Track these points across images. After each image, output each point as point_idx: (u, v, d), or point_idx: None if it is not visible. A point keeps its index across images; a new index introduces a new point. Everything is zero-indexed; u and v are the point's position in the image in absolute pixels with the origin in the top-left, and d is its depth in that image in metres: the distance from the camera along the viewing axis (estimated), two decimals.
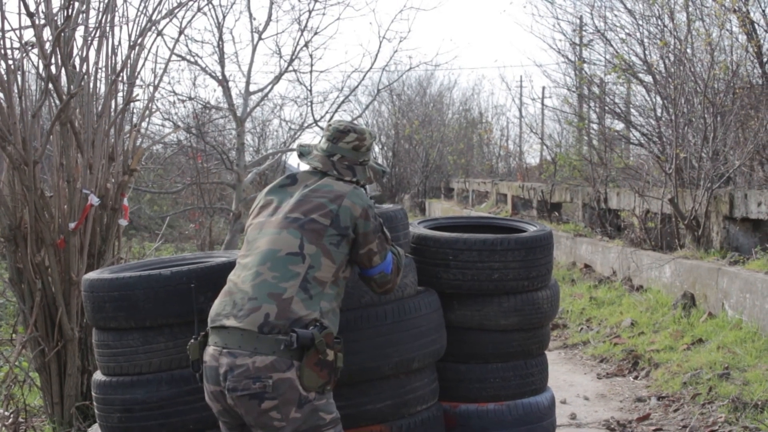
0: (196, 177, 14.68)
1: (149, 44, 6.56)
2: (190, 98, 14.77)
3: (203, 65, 14.11)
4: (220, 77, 14.06)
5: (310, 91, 15.65)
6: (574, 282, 10.91)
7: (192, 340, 3.48)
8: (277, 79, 14.62)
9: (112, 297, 3.92)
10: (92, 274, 4.15)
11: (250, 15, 14.15)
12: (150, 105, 6.94)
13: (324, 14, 14.46)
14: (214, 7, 13.54)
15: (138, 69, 6.37)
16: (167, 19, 6.46)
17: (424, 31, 39.30)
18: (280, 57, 14.60)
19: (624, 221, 11.42)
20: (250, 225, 3.66)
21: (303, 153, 3.88)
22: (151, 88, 6.95)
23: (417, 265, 4.39)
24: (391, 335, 4.06)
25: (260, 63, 54.75)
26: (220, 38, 13.85)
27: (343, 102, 16.24)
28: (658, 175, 10.59)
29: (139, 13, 6.42)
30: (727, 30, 11.15)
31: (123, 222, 6.33)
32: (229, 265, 3.87)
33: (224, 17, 13.83)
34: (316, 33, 14.36)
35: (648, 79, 11.86)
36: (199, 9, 6.91)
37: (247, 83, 14.44)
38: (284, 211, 3.55)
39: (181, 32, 6.99)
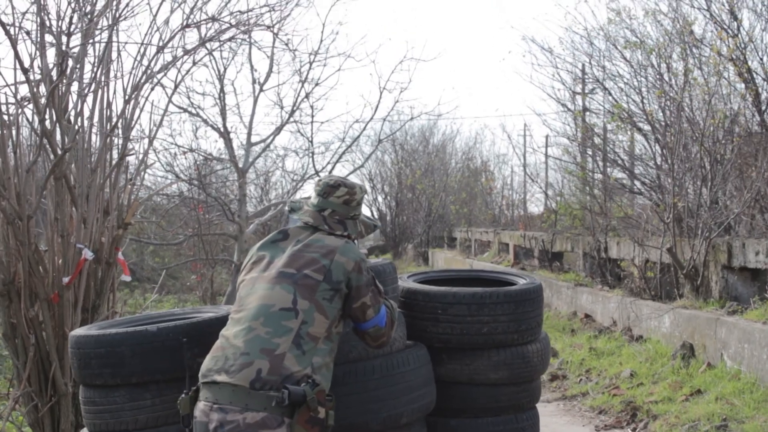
0: (198, 228, 14.70)
1: (144, 97, 6.63)
2: (192, 150, 14.88)
3: (205, 117, 14.24)
4: (222, 129, 14.17)
5: (311, 142, 15.77)
6: (574, 332, 10.87)
7: (183, 395, 3.48)
8: (279, 130, 14.72)
9: (98, 353, 3.92)
10: (79, 331, 4.15)
11: (252, 66, 14.27)
12: (145, 158, 6.99)
13: (325, 65, 14.55)
14: (215, 59, 13.71)
15: (133, 123, 6.44)
16: (162, 73, 6.49)
17: (426, 80, 39.77)
18: (282, 108, 14.73)
19: (624, 271, 11.40)
20: (242, 281, 3.67)
21: (294, 209, 3.91)
22: (147, 142, 6.99)
23: (406, 319, 4.39)
24: (379, 390, 4.04)
25: (261, 114, 55.18)
26: (222, 90, 13.98)
27: (344, 153, 16.34)
28: (658, 224, 10.59)
29: (134, 67, 6.51)
30: (725, 78, 11.24)
31: (125, 278, 6.36)
32: (217, 321, 3.89)
33: (225, 69, 13.98)
34: (317, 84, 14.49)
35: (647, 128, 11.93)
36: (194, 62, 6.89)
37: (249, 134, 14.55)
38: (277, 266, 3.56)
39: (176, 86, 7.08)
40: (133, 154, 6.69)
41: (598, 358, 9.37)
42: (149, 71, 6.50)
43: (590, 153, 13.66)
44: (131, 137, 6.76)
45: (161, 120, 6.89)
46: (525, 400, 4.62)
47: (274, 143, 16.45)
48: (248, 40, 8.46)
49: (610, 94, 13.07)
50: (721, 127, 10.25)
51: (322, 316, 3.44)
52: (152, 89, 6.36)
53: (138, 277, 19.41)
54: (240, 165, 14.50)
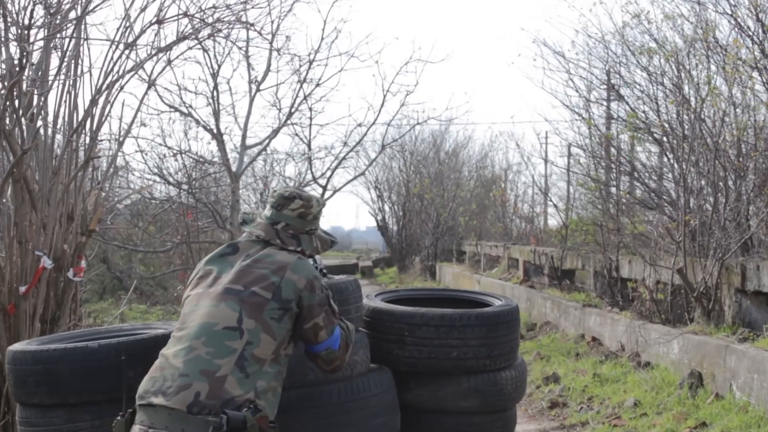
0: (186, 236, 14.69)
1: (115, 96, 6.62)
2: (181, 152, 14.88)
3: (197, 117, 14.24)
4: (215, 130, 14.18)
5: (309, 146, 15.77)
6: (579, 356, 10.79)
7: (118, 418, 3.45)
8: (275, 132, 14.73)
9: (34, 371, 3.90)
10: (16, 346, 4.14)
11: (248, 65, 14.28)
12: (115, 161, 6.99)
13: (326, 65, 14.56)
14: (208, 55, 13.72)
15: (101, 122, 6.42)
16: (133, 72, 6.49)
17: (435, 83, 39.65)
18: (279, 110, 14.74)
19: (635, 291, 11.32)
20: (187, 297, 3.65)
21: (245, 221, 3.90)
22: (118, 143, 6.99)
23: (370, 341, 4.37)
24: (338, 417, 4.02)
25: (257, 115, 55.13)
26: (215, 88, 14.01)
27: (344, 158, 16.34)
28: (671, 242, 10.52)
29: (104, 63, 6.50)
30: (748, 88, 11.16)
31: (74, 278, 6.32)
32: (165, 338, 3.85)
33: (219, 66, 14.00)
34: (317, 85, 14.51)
35: (664, 138, 11.86)
36: (170, 61, 6.86)
37: (243, 137, 14.55)
38: (223, 282, 3.54)
39: (150, 84, 7.05)
40: (100, 156, 6.67)
41: (602, 385, 9.30)
42: (120, 68, 6.51)
43: (603, 164, 13.58)
44: (101, 138, 6.76)
45: (133, 119, 6.86)
46: (498, 431, 4.58)
47: (271, 146, 16.41)
48: (228, 37, 8.38)
49: (626, 102, 12.99)
50: (742, 140, 10.18)
51: (269, 336, 3.41)
52: (121, 88, 6.31)
53: (125, 286, 19.48)
54: (233, 169, 14.50)
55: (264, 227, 3.74)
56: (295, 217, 3.76)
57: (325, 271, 4.20)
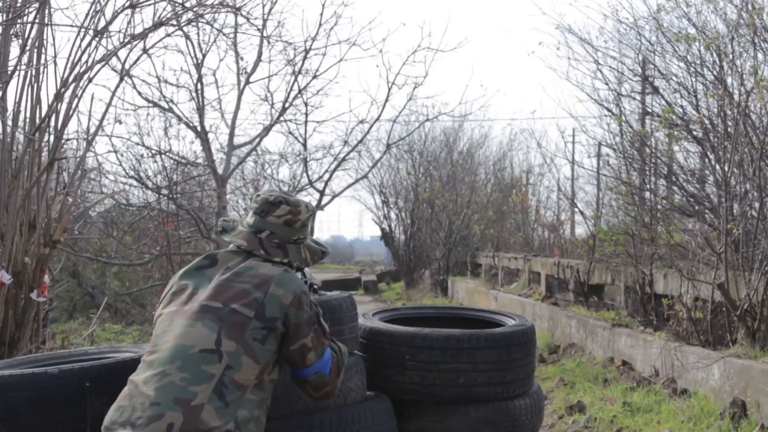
0: (166, 247, 14.69)
1: (83, 89, 6.63)
2: (161, 152, 14.87)
3: (179, 113, 14.23)
4: (199, 127, 14.17)
5: (305, 145, 15.78)
6: (607, 382, 10.76)
7: None
8: (267, 130, 14.74)
9: None
10: None
11: (237, 54, 14.30)
12: (83, 163, 7.00)
13: (324, 54, 14.55)
14: (192, 43, 13.72)
15: (64, 118, 6.43)
16: (104, 62, 6.49)
17: (447, 75, 39.57)
18: (271, 105, 14.75)
19: (672, 309, 11.28)
20: (160, 315, 3.65)
21: (226, 229, 3.89)
22: (84, 143, 7.00)
23: (367, 365, 4.36)
24: None
25: (247, 111, 55.11)
26: (199, 80, 14.00)
27: (344, 159, 16.33)
28: (711, 254, 10.48)
29: (71, 53, 6.51)
30: None
31: (38, 298, 6.33)
32: (134, 363, 3.85)
33: (204, 56, 13.99)
34: (314, 76, 14.52)
35: (705, 136, 11.84)
36: (145, 50, 6.87)
37: (231, 135, 14.56)
38: (200, 298, 3.54)
39: (122, 77, 7.06)
40: (66, 157, 6.68)
41: (633, 415, 9.27)
42: (89, 58, 6.52)
43: (636, 166, 13.55)
44: (67, 136, 6.77)
45: (104, 115, 6.86)
46: None
47: (262, 146, 16.42)
48: (213, 23, 8.40)
49: (662, 96, 12.98)
50: None
51: (251, 359, 3.41)
52: (90, 80, 6.32)
53: (98, 303, 19.46)
54: (220, 171, 14.50)
55: (246, 236, 3.74)
56: (281, 224, 3.76)
57: (316, 286, 4.19)
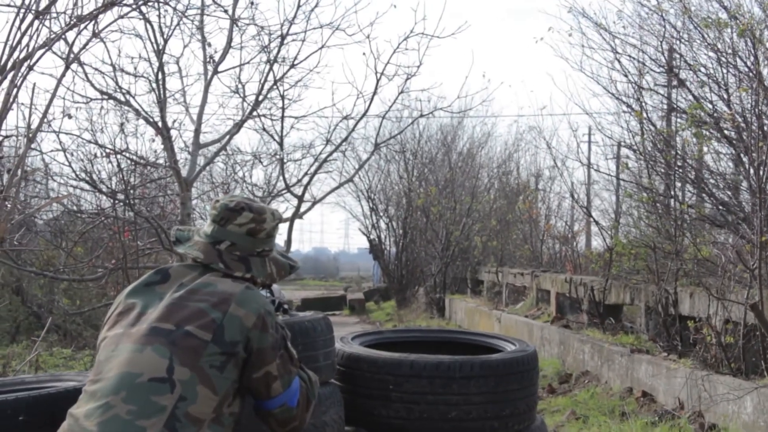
0: (123, 260, 14.61)
1: (23, 77, 6.60)
2: (116, 151, 14.79)
3: (137, 106, 14.16)
4: (160, 123, 14.10)
5: (282, 144, 15.73)
6: (625, 417, 10.76)
7: None
8: (238, 127, 14.69)
9: None
10: None
11: (203, 39, 14.23)
12: (23, 163, 6.97)
13: (303, 40, 14.50)
14: (151, 27, 13.66)
15: (1, 111, 6.40)
16: (45, 48, 6.47)
17: (445, 66, 39.66)
18: (243, 98, 14.70)
19: (699, 333, 11.29)
20: (104, 339, 3.62)
21: (180, 239, 3.87)
22: (25, 140, 6.97)
23: (345, 396, 4.35)
24: None
25: (215, 105, 55.11)
26: (160, 69, 13.92)
27: (326, 161, 16.29)
28: (743, 270, 10.49)
29: (11, 36, 6.49)
30: None
31: None
32: (78, 393, 3.82)
33: (165, 42, 13.92)
34: (292, 65, 14.46)
35: (734, 136, 11.86)
36: (96, 34, 6.85)
37: (197, 132, 14.48)
38: (150, 319, 3.52)
39: (68, 65, 7.03)
40: (2, 157, 6.65)
41: None
42: (30, 42, 6.50)
43: (659, 170, 13.55)
44: (5, 132, 6.75)
45: (47, 108, 6.83)
46: None
47: (232, 145, 16.37)
48: (175, 3, 8.37)
49: (688, 89, 12.99)
50: None
51: (208, 390, 3.38)
52: (31, 68, 6.29)
53: (44, 323, 19.36)
54: (184, 174, 14.44)
55: (203, 247, 3.72)
56: (243, 234, 3.74)
57: (286, 306, 4.18)
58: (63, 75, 6.91)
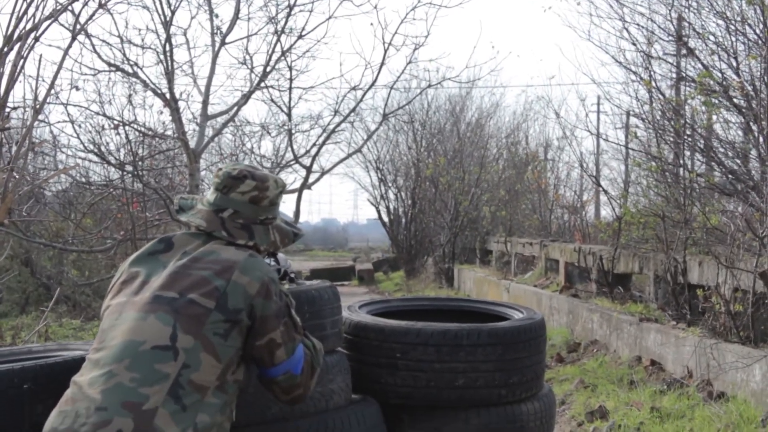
0: (131, 231, 14.62)
1: (29, 48, 6.58)
2: (124, 123, 14.78)
3: (144, 77, 14.14)
4: (168, 95, 14.07)
5: (290, 115, 15.70)
6: (634, 384, 10.75)
7: None
8: (246, 98, 14.68)
9: None
10: None
11: (211, 10, 14.21)
12: (30, 135, 6.94)
13: (311, 11, 14.48)
14: None
15: (8, 83, 6.39)
16: (52, 18, 6.44)
17: (453, 36, 39.50)
18: (251, 69, 14.68)
19: (708, 302, 11.26)
20: (107, 307, 3.62)
21: (183, 207, 3.85)
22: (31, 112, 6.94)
23: (352, 365, 4.34)
24: None
25: (223, 76, 55.02)
26: (168, 41, 13.89)
27: (334, 131, 16.27)
28: (752, 239, 10.46)
29: (18, 7, 6.47)
30: None
31: None
32: (83, 362, 3.82)
33: (173, 13, 13.89)
34: (300, 36, 14.44)
35: (744, 104, 11.80)
36: (101, 4, 6.82)
37: (205, 104, 14.47)
38: (153, 288, 3.51)
39: (77, 33, 7.00)
40: (10, 128, 6.64)
41: (663, 421, 9.26)
42: (37, 12, 6.47)
43: (668, 139, 13.50)
44: (12, 104, 6.73)
45: (54, 79, 6.80)
46: None
47: (240, 116, 16.34)
48: None
49: (697, 57, 12.92)
50: None
51: (212, 357, 3.37)
52: (37, 39, 6.27)
53: (53, 294, 19.35)
54: (191, 145, 14.42)
55: (206, 215, 3.70)
56: (246, 202, 3.72)
57: (293, 274, 4.16)
58: (69, 46, 6.88)
